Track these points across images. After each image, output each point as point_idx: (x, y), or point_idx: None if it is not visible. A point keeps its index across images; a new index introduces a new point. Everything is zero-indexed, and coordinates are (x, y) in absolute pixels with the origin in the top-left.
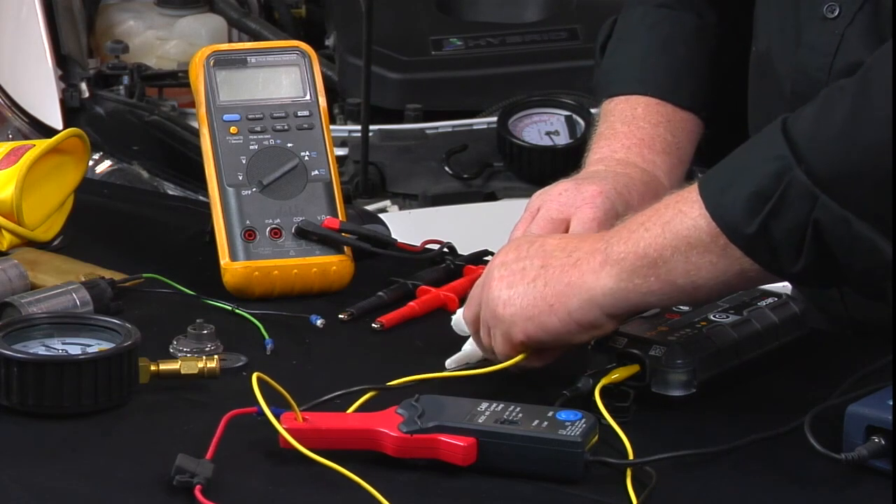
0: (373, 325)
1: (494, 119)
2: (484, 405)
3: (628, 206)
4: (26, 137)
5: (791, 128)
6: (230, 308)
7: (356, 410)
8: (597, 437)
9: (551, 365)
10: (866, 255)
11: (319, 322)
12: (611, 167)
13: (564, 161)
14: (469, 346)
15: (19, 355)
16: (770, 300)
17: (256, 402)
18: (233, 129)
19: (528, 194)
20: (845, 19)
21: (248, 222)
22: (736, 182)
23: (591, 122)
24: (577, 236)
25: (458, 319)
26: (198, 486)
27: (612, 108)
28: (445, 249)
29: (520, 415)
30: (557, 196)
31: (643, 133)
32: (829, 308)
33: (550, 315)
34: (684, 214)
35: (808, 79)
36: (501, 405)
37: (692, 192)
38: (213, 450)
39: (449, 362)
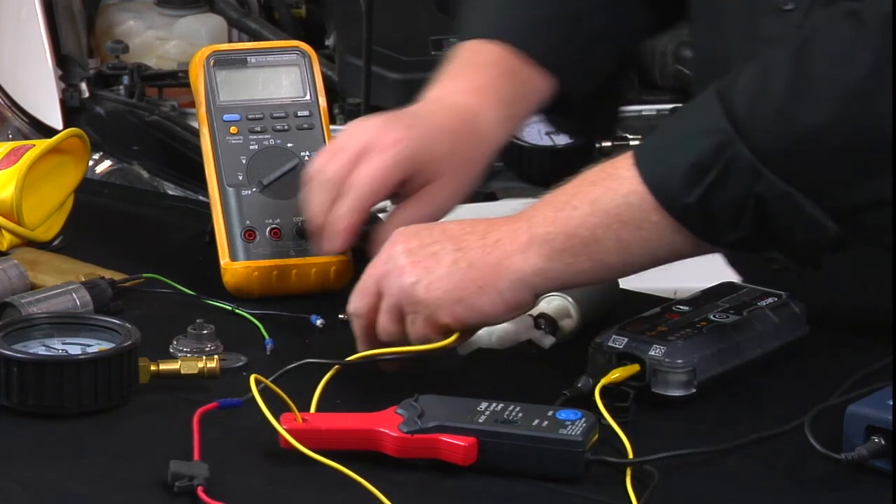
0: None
1: None
2: (484, 405)
3: (426, 163)
4: (26, 137)
5: (729, 100)
6: (230, 308)
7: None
8: (597, 437)
9: (551, 365)
10: (808, 230)
11: (319, 322)
12: (434, 110)
13: (565, 161)
14: (484, 333)
15: (19, 355)
16: (770, 300)
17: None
18: (233, 129)
19: (528, 194)
20: (801, 10)
21: (248, 222)
22: (674, 153)
23: None
24: (477, 220)
25: None
26: (200, 488)
27: (462, 51)
28: None
29: (520, 414)
30: (360, 133)
31: (482, 80)
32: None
33: (480, 296)
34: (614, 191)
35: None
36: (501, 405)
37: (620, 168)
38: (198, 449)
39: (461, 348)
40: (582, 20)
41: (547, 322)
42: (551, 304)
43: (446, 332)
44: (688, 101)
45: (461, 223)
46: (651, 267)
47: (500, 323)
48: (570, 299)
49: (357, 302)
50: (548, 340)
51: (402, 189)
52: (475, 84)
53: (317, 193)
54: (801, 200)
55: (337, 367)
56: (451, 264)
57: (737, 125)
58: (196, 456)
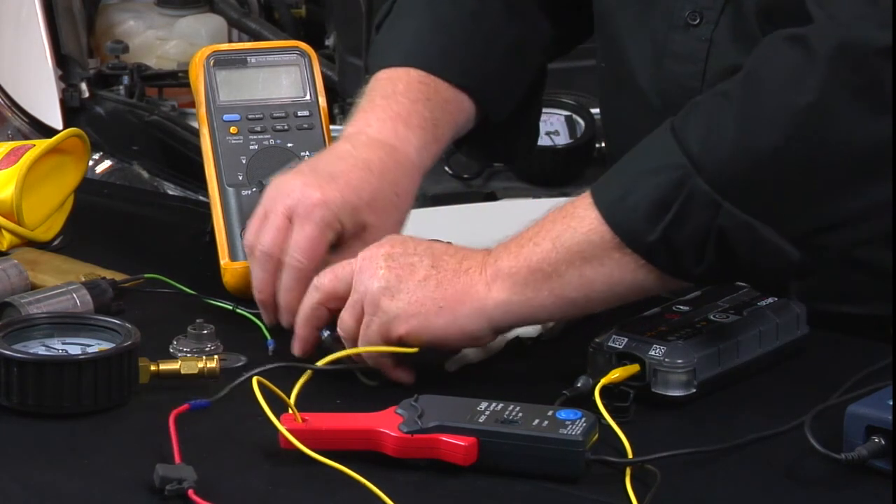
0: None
1: None
2: (484, 405)
3: (355, 211)
4: (26, 137)
5: (683, 135)
6: (231, 307)
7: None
8: (597, 436)
9: (551, 365)
10: (770, 258)
11: (326, 334)
12: (356, 147)
13: (564, 161)
14: (469, 348)
15: (19, 355)
16: (770, 300)
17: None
18: (233, 129)
19: (528, 194)
20: (709, 25)
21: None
22: (633, 191)
23: (591, 122)
24: (462, 247)
25: None
26: (190, 490)
27: (376, 82)
28: None
29: (520, 414)
30: (285, 197)
31: (400, 107)
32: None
33: (437, 316)
34: (574, 229)
35: (679, 88)
36: (501, 405)
37: (579, 207)
38: (178, 451)
39: (449, 364)
40: (494, 41)
41: None
42: None
43: (399, 344)
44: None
45: (447, 245)
46: (615, 304)
47: (452, 348)
48: None
49: (325, 279)
50: (533, 330)
51: (337, 239)
52: (393, 112)
53: (257, 271)
54: (761, 229)
55: (309, 371)
56: (422, 279)
57: (692, 159)
58: (177, 459)
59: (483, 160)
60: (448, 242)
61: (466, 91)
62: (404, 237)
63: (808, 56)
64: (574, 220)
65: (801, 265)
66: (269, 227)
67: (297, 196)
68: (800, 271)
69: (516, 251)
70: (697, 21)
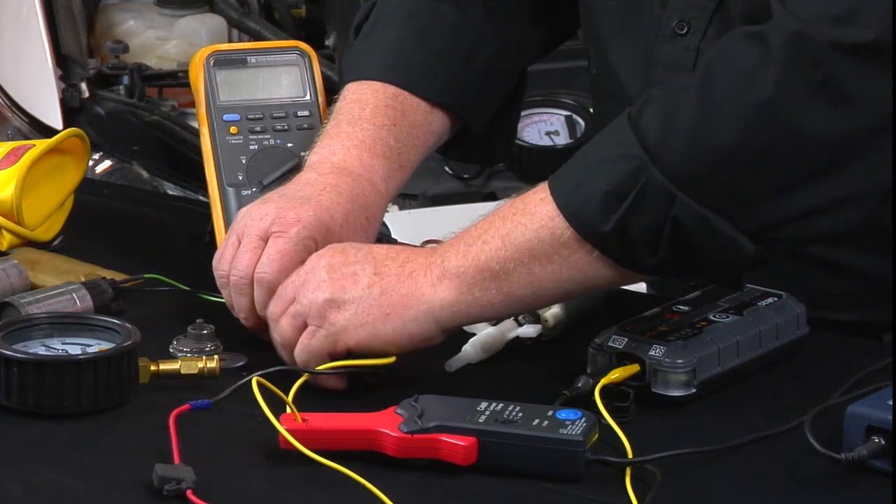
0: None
1: None
2: (484, 405)
3: (329, 231)
4: (26, 137)
5: (640, 126)
6: None
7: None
8: (597, 436)
9: (551, 365)
10: (725, 250)
11: None
12: (322, 175)
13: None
14: (470, 348)
15: (19, 355)
16: (770, 300)
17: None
18: (233, 129)
19: None
20: (696, 34)
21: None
22: (589, 180)
23: (590, 122)
24: (404, 248)
25: None
26: (188, 490)
27: (344, 102)
28: None
29: (520, 414)
30: (259, 221)
31: (366, 135)
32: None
33: (385, 324)
34: (524, 226)
35: None
36: (501, 405)
37: (530, 203)
38: (177, 452)
39: (449, 364)
40: (474, 55)
41: (528, 316)
42: None
43: (343, 356)
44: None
45: (388, 248)
46: (562, 300)
47: (402, 352)
48: None
49: (274, 305)
50: (533, 329)
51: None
52: (358, 140)
53: (238, 298)
54: (716, 221)
55: (307, 374)
56: (366, 287)
57: (649, 150)
58: (177, 459)
59: (462, 161)
60: (393, 241)
61: (446, 107)
62: (344, 245)
63: (765, 51)
64: (525, 216)
65: (755, 258)
66: (244, 251)
67: (272, 218)
68: (753, 263)
69: (464, 250)
70: (685, 31)
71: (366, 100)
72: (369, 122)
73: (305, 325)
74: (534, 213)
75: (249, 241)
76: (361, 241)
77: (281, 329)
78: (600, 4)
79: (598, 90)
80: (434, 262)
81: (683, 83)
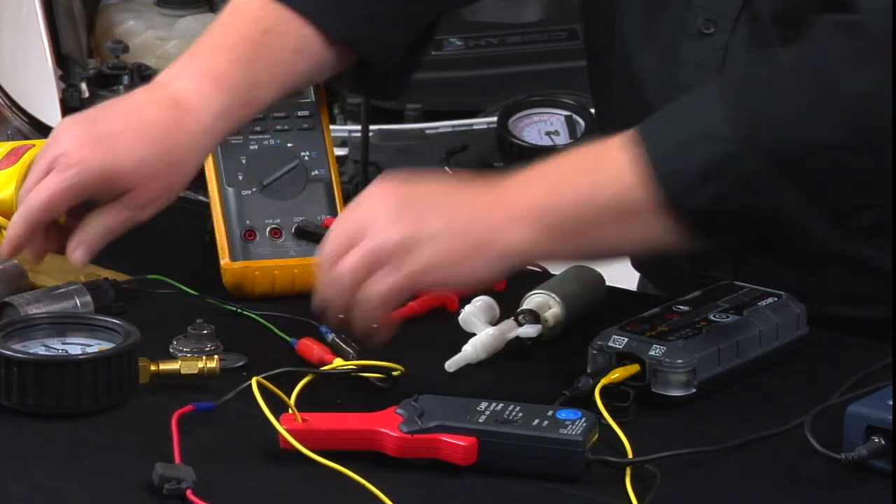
0: (372, 325)
1: (494, 119)
2: (483, 405)
3: (110, 179)
4: (26, 137)
5: (743, 104)
6: (235, 309)
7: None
8: (597, 436)
9: (551, 365)
10: (803, 238)
11: (331, 337)
12: (149, 103)
13: None
14: (470, 348)
15: (19, 355)
16: (770, 300)
17: (257, 404)
18: None
19: None
20: (724, 33)
21: (247, 222)
22: (686, 152)
23: (591, 122)
24: (479, 185)
25: (466, 316)
26: (188, 490)
27: (219, 20)
28: None
29: (520, 414)
30: (54, 146)
31: (216, 64)
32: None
33: (462, 265)
34: (608, 185)
35: None
36: (501, 405)
37: (616, 160)
38: (178, 452)
39: (449, 364)
40: None
41: (528, 316)
42: (533, 300)
43: (408, 299)
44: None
45: (460, 186)
46: (628, 255)
47: (470, 289)
48: (552, 295)
49: (336, 245)
50: (533, 329)
51: (97, 198)
52: (207, 69)
53: (16, 216)
54: (804, 211)
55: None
56: (445, 224)
57: (751, 133)
58: (177, 459)
59: (353, 92)
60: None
61: (345, 44)
62: (408, 179)
63: (863, 43)
64: (610, 173)
65: (823, 249)
66: (32, 177)
67: (62, 150)
68: (825, 254)
69: (543, 196)
70: (711, 30)
71: (236, 27)
72: (227, 52)
73: (377, 266)
74: (620, 174)
75: (38, 167)
76: (159, 185)
77: (352, 273)
78: (624, 8)
79: (607, 90)
80: (512, 200)
81: (786, 67)
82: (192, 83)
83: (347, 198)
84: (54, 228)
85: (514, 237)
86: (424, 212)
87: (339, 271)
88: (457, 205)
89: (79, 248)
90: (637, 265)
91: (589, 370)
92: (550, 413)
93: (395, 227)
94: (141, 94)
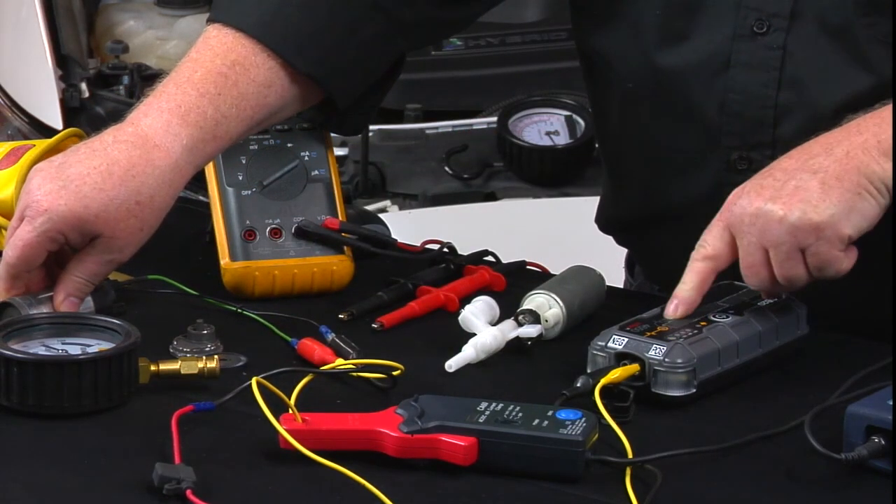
0: (373, 325)
1: (494, 119)
2: (483, 405)
3: (80, 221)
4: (26, 137)
5: None
6: (235, 309)
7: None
8: (597, 436)
9: (551, 365)
10: None
11: (331, 337)
12: (116, 142)
13: (564, 161)
14: (470, 348)
15: (19, 355)
16: (770, 300)
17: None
18: None
19: (528, 194)
20: (779, 32)
21: (248, 222)
22: None
23: (591, 122)
24: (801, 150)
25: (466, 316)
26: (188, 490)
27: (188, 57)
28: (445, 249)
29: (520, 414)
30: (24, 196)
31: (185, 99)
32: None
33: (861, 201)
34: None
35: (747, 97)
36: (501, 405)
37: None
38: (178, 452)
39: (449, 364)
40: (356, 31)
41: (528, 316)
42: (533, 300)
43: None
44: None
45: (789, 158)
46: None
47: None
48: (552, 295)
49: (713, 245)
50: (534, 329)
51: (71, 243)
52: (174, 104)
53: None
54: None
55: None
56: (821, 185)
57: None
58: (177, 459)
59: (311, 123)
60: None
61: (313, 79)
62: (768, 174)
63: None
64: None
65: None
66: (11, 225)
67: (32, 198)
68: None
69: (878, 130)
70: (764, 29)
71: (204, 61)
72: (195, 86)
73: (801, 254)
74: None
75: (15, 216)
76: (128, 226)
77: (787, 274)
78: (646, 15)
79: (615, 92)
80: (866, 141)
81: None
82: (160, 119)
83: (347, 198)
84: (51, 257)
85: (880, 166)
86: (795, 188)
87: (784, 280)
88: (815, 165)
89: (65, 303)
90: (638, 264)
91: (589, 370)
92: (550, 413)
93: (786, 215)
94: (109, 133)
